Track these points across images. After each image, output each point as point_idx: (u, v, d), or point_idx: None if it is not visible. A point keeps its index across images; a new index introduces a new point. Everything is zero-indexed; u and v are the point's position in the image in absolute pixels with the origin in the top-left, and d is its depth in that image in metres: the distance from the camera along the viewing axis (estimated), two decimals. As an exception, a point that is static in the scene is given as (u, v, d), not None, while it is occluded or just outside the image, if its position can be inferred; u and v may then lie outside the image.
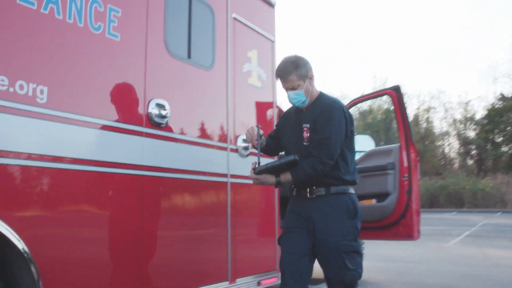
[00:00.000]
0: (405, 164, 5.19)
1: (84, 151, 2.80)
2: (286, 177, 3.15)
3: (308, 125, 3.22)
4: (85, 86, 2.85)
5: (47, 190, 2.61)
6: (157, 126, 3.31)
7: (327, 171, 3.11)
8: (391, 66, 59.55)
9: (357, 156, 6.20)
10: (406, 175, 5.16)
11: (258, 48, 4.63)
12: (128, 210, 3.10)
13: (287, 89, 3.22)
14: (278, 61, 3.32)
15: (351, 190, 3.24)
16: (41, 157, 2.55)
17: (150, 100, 3.28)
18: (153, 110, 3.27)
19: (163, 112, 3.34)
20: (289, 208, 3.36)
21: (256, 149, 3.23)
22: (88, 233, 2.84)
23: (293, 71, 3.16)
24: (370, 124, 37.81)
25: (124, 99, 3.14)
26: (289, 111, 3.49)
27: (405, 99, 5.42)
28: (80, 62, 2.83)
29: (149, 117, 3.25)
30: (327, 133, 3.10)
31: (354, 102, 6.14)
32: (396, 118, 5.41)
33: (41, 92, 2.57)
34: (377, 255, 8.99)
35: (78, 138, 2.77)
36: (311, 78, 3.23)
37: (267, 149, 3.51)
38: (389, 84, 39.36)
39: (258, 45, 4.64)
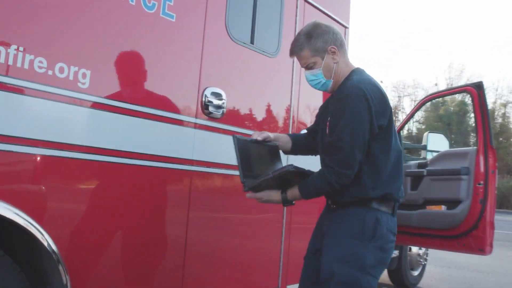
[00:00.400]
0: (482, 169, 4.71)
1: (129, 143, 2.56)
2: (294, 192, 2.44)
3: (330, 117, 2.48)
4: (133, 71, 2.61)
5: (84, 184, 2.40)
6: (212, 117, 3.03)
7: (348, 183, 2.34)
8: (469, 56, 56.97)
9: (429, 156, 5.82)
10: (482, 182, 4.70)
11: (329, 34, 4.24)
12: (173, 209, 2.86)
13: (304, 68, 2.58)
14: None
15: (379, 206, 2.39)
16: (80, 148, 2.34)
17: (206, 88, 3.00)
18: (208, 99, 2.99)
19: (219, 102, 3.06)
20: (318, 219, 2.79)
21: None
22: (127, 231, 2.63)
23: (304, 45, 2.46)
24: (442, 116, 36.38)
25: (176, 86, 2.86)
26: (329, 98, 2.77)
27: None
28: (130, 44, 2.58)
29: (203, 107, 2.97)
30: (337, 133, 2.32)
31: (431, 97, 5.69)
32: (475, 118, 4.92)
33: (83, 76, 2.34)
34: (441, 259, 8.45)
35: (123, 128, 2.53)
36: (334, 53, 2.47)
37: (296, 149, 2.84)
38: (465, 75, 37.72)
39: (329, 31, 4.25)
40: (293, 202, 2.50)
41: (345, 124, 2.29)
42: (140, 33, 2.62)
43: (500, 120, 38.91)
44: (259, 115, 3.49)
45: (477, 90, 4.83)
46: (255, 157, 2.64)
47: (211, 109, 3.00)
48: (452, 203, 4.91)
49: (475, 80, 38.59)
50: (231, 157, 3.11)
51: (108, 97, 2.45)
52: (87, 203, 2.41)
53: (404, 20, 63.71)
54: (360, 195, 2.37)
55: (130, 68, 2.58)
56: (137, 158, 2.59)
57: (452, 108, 37.16)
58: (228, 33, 3.17)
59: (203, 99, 2.97)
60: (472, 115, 37.65)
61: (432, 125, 34.98)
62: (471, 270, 7.98)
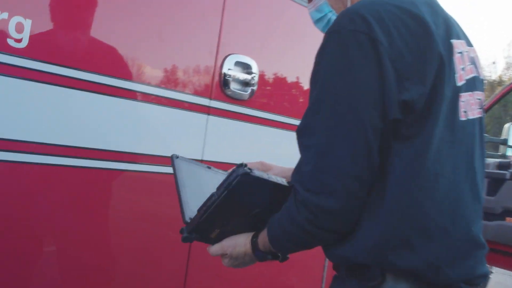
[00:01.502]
0: None
1: (101, 138, 1.73)
2: (265, 237, 1.19)
3: None
4: (106, 24, 1.72)
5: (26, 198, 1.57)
6: (235, 98, 2.16)
7: (338, 227, 1.08)
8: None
9: (510, 152, 5.03)
10: None
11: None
12: (171, 232, 2.01)
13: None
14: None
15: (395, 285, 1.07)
16: (20, 146, 1.52)
17: (227, 56, 2.10)
18: (231, 72, 2.11)
19: (247, 77, 2.17)
20: None
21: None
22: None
23: None
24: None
25: (180, 52, 2.00)
26: None
27: None
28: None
29: (221, 83, 2.09)
30: (305, 116, 1.11)
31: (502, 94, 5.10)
32: None
33: (19, 28, 1.47)
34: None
35: (89, 115, 1.68)
36: None
37: None
38: (526, 54, 35.71)
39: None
40: (287, 256, 1.26)
41: (319, 97, 1.07)
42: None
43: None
44: (305, 96, 2.56)
45: None
46: (211, 187, 1.31)
47: (234, 87, 2.13)
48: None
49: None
50: (263, 156, 2.23)
51: (62, 64, 1.57)
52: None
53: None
54: (350, 257, 1.11)
55: (100, 18, 1.70)
56: (114, 160, 1.76)
57: None
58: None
59: (223, 72, 2.10)
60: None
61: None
62: None
